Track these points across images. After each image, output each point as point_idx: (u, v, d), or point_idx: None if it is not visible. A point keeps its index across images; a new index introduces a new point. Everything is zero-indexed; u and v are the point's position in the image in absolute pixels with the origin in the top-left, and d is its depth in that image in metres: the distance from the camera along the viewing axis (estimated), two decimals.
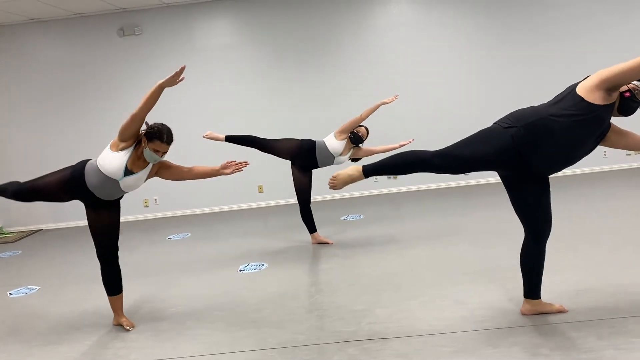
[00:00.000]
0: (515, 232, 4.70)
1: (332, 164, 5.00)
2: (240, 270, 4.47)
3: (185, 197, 7.50)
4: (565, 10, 7.07)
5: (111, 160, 3.15)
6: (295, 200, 5.21)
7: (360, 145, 4.98)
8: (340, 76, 7.28)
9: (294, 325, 3.21)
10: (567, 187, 6.31)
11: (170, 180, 3.59)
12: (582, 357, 2.48)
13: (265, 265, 4.54)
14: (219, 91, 7.35)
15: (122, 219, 3.23)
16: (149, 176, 3.38)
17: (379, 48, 7.23)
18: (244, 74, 7.32)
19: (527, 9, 7.09)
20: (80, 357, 3.07)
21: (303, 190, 5.02)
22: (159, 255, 5.38)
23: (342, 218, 6.10)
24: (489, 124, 2.90)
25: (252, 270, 4.45)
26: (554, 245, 3.74)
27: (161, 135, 3.17)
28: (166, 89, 3.17)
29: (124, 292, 3.49)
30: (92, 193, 3.24)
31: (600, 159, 7.28)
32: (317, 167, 5.04)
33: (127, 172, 3.19)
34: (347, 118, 5.04)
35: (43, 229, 7.51)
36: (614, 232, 4.41)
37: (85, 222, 3.40)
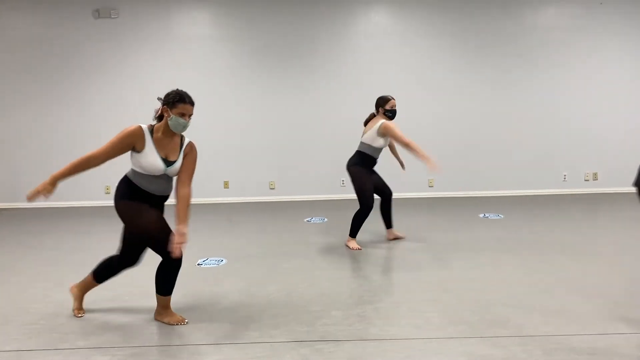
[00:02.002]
0: (476, 247, 4.80)
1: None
2: (198, 265, 4.43)
3: None
4: (536, 36, 7.27)
5: (145, 159, 3.03)
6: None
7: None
8: (315, 77, 7.30)
9: (248, 322, 3.20)
10: (530, 206, 6.47)
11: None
12: None
13: (224, 261, 4.51)
14: (192, 81, 7.27)
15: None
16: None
17: (356, 53, 7.28)
18: (220, 67, 7.27)
19: (504, 29, 7.25)
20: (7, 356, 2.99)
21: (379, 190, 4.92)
22: (115, 243, 5.28)
23: (305, 220, 6.11)
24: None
25: (211, 265, 4.41)
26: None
27: (182, 97, 3.03)
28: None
29: (77, 280, 3.40)
30: (154, 195, 3.14)
31: (559, 182, 7.50)
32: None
33: (167, 162, 3.08)
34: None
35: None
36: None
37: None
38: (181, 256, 3.06)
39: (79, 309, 3.39)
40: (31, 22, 7.13)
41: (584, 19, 7.24)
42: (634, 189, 7.42)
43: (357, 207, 5.09)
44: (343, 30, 7.24)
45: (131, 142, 3.01)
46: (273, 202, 7.30)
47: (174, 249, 2.93)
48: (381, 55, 7.29)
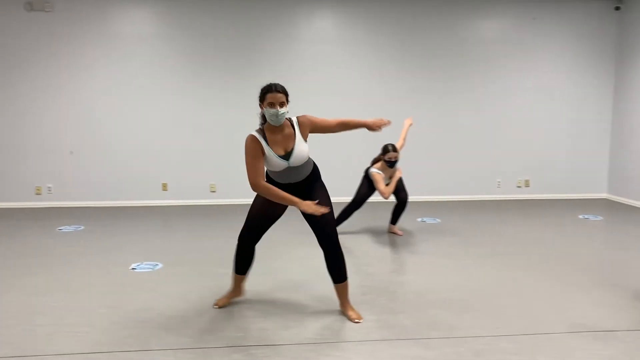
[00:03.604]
0: (412, 251, 4.89)
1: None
2: (132, 269, 4.30)
3: (82, 188, 7.13)
4: (473, 48, 7.52)
5: (268, 163, 3.10)
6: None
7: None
8: (256, 79, 7.21)
9: (181, 328, 3.12)
10: (459, 211, 6.67)
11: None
12: None
13: (159, 265, 4.40)
14: (130, 80, 7.07)
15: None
16: (305, 137, 3.18)
17: (299, 57, 7.29)
18: (159, 67, 7.10)
19: (444, 41, 7.45)
20: None
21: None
22: (46, 246, 5.05)
23: None
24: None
25: (145, 270, 4.29)
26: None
27: (270, 87, 3.07)
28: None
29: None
30: (288, 184, 3.19)
31: (493, 188, 7.78)
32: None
33: (285, 157, 3.10)
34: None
35: None
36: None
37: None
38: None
39: (223, 301, 3.50)
40: None
41: (517, 32, 7.55)
42: (561, 196, 7.80)
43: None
44: (286, 35, 7.23)
45: (258, 148, 3.04)
46: (214, 206, 7.19)
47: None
48: (324, 61, 7.33)
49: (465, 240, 5.31)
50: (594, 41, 7.66)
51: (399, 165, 5.58)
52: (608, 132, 7.84)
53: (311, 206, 2.98)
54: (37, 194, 7.08)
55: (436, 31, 7.42)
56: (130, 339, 2.96)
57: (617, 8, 7.54)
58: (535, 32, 7.57)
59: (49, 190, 7.10)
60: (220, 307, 3.47)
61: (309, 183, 3.25)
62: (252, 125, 7.80)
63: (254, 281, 3.95)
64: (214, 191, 7.35)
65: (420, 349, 2.85)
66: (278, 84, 3.10)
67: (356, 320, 3.23)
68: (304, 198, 3.18)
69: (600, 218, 6.37)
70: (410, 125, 5.53)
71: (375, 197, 6.62)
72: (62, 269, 4.28)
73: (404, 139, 5.46)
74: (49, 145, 7.04)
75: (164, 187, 7.26)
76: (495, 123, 7.68)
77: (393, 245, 5.15)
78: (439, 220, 6.30)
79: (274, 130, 3.11)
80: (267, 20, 7.17)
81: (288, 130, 3.13)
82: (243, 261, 3.45)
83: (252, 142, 3.05)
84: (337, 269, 3.25)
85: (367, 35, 7.35)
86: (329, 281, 3.98)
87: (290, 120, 3.17)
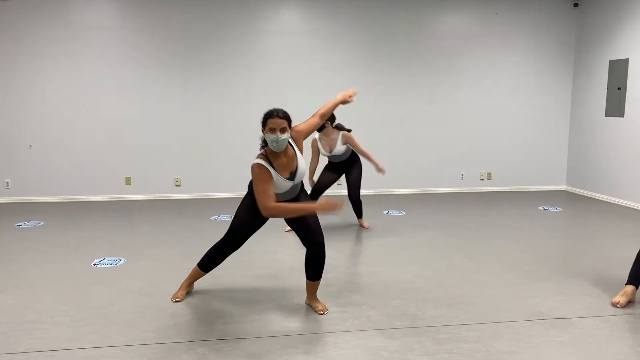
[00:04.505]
0: (377, 243, 4.94)
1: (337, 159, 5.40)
2: (94, 265, 4.22)
3: (41, 182, 6.94)
4: (437, 42, 7.61)
5: (276, 186, 3.08)
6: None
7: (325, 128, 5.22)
8: (223, 73, 7.17)
9: (144, 324, 3.09)
10: (430, 203, 6.78)
11: None
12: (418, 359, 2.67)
13: (122, 261, 4.33)
14: (92, 72, 6.91)
15: None
16: (301, 149, 3.21)
17: (265, 50, 7.25)
18: (122, 59, 6.95)
19: (408, 35, 7.52)
20: None
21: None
22: (4, 242, 4.91)
23: (212, 218, 6.01)
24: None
25: (107, 265, 4.22)
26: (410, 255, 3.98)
27: (270, 113, 3.04)
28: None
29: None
30: (285, 200, 3.20)
31: (457, 181, 7.92)
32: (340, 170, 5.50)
33: (289, 178, 3.13)
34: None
35: None
36: (459, 248, 4.81)
37: None
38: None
39: (182, 293, 3.52)
40: None
41: (480, 28, 7.67)
42: (522, 188, 7.99)
43: None
44: (252, 28, 7.18)
45: (267, 174, 3.02)
46: (179, 200, 7.10)
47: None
48: (290, 54, 7.31)
49: (429, 232, 5.40)
50: (553, 36, 7.85)
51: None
52: (567, 125, 8.06)
53: (329, 204, 2.90)
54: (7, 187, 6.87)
55: (400, 25, 7.48)
56: (92, 336, 2.91)
57: (576, 5, 7.74)
58: (497, 26, 7.71)
59: (7, 185, 6.89)
60: (180, 301, 3.46)
61: (299, 192, 3.31)
62: (218, 120, 7.76)
63: (218, 275, 3.93)
64: (178, 185, 7.26)
65: (383, 339, 2.89)
66: (280, 109, 3.07)
67: (321, 312, 3.26)
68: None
69: (559, 209, 6.56)
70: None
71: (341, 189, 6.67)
72: (20, 266, 4.17)
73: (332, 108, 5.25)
74: (6, 139, 6.83)
75: (128, 181, 7.14)
76: (458, 117, 7.81)
77: (358, 237, 5.20)
78: (404, 212, 6.38)
79: (277, 155, 3.08)
80: (234, 11, 7.10)
81: (290, 151, 3.13)
82: (214, 263, 3.49)
83: (260, 170, 3.01)
84: (317, 270, 3.28)
85: (333, 28, 7.36)
86: (295, 275, 4.00)
87: (290, 144, 3.16)
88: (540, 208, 6.62)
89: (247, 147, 7.22)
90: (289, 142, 3.15)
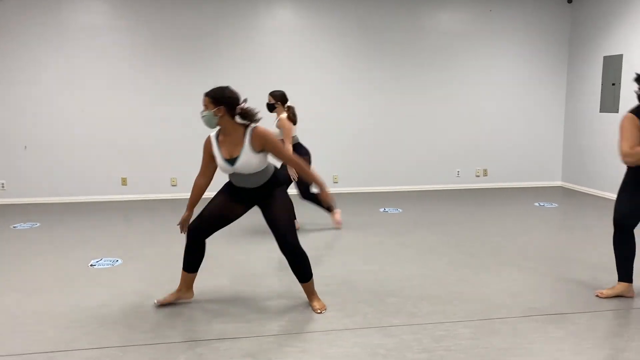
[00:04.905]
0: (372, 242, 4.95)
1: None
2: (91, 265, 4.22)
3: (37, 184, 6.93)
4: (432, 39, 7.62)
5: (217, 163, 3.20)
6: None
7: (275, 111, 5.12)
8: (218, 71, 7.16)
9: (142, 324, 3.10)
10: (422, 200, 6.79)
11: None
12: (415, 357, 2.67)
13: (119, 262, 4.33)
14: (85, 72, 6.89)
15: None
16: (258, 149, 3.11)
17: (260, 48, 7.24)
18: (117, 59, 6.93)
19: (404, 31, 7.52)
20: None
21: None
22: (1, 245, 4.91)
23: None
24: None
25: (105, 266, 4.21)
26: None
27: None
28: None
29: None
30: (241, 188, 3.24)
31: (453, 178, 7.93)
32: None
33: (230, 161, 3.13)
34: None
35: None
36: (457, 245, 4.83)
37: None
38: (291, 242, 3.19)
39: (167, 299, 3.41)
40: None
41: (474, 24, 7.69)
42: (518, 184, 8.02)
43: None
44: (246, 25, 7.17)
45: (208, 147, 3.20)
46: (175, 200, 7.10)
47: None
48: (286, 52, 7.30)
49: (425, 230, 5.41)
50: (548, 33, 7.86)
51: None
52: (562, 121, 8.09)
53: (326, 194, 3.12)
54: (2, 189, 6.85)
55: (395, 22, 7.48)
56: (90, 337, 2.91)
57: (570, 1, 7.75)
58: (491, 23, 7.72)
59: (2, 187, 6.88)
60: (161, 305, 3.35)
61: (266, 190, 3.23)
62: (195, 119, 7.60)
63: (214, 274, 3.94)
64: (174, 185, 7.25)
65: (381, 337, 2.91)
66: (213, 88, 3.15)
67: (319, 311, 3.27)
68: (261, 204, 3.24)
69: (555, 205, 6.59)
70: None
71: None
72: (17, 268, 4.17)
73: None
74: (1, 141, 6.81)
75: (124, 181, 7.13)
76: (454, 113, 7.82)
77: (354, 236, 5.20)
78: (400, 210, 6.39)
79: (224, 133, 3.16)
80: (227, 10, 7.09)
81: (237, 136, 3.11)
82: (193, 257, 3.33)
83: (206, 141, 3.23)
84: (300, 271, 3.27)
85: (328, 26, 7.36)
86: (291, 273, 4.01)
87: (246, 127, 3.14)
88: (536, 204, 6.65)
89: None
90: (245, 131, 3.11)
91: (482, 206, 6.62)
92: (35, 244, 4.91)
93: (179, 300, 3.42)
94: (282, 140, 4.89)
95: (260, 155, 3.12)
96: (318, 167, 7.58)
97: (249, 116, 3.14)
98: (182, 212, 6.34)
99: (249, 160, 3.09)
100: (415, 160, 7.80)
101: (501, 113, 7.93)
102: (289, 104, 5.14)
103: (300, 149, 5.16)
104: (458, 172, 7.97)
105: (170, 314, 3.24)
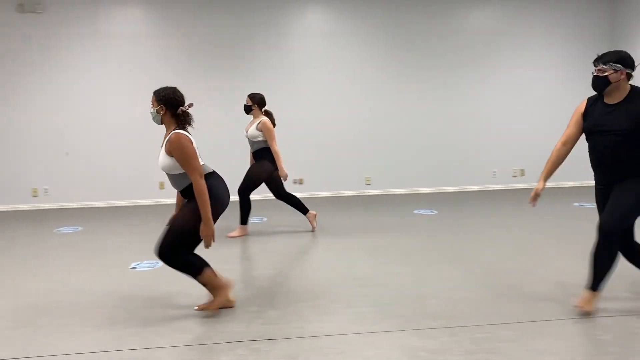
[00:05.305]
0: (407, 243, 4.93)
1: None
2: (132, 268, 4.32)
3: (79, 189, 7.13)
4: (464, 37, 7.54)
5: None
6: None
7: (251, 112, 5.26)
8: (248, 79, 7.25)
9: (184, 325, 3.15)
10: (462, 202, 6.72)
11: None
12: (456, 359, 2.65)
13: (159, 264, 4.41)
14: (122, 79, 7.07)
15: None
16: (169, 153, 3.23)
17: (291, 55, 7.30)
18: (151, 66, 7.10)
19: (435, 30, 7.47)
20: None
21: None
22: (44, 248, 5.07)
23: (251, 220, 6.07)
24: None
25: (145, 269, 4.31)
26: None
27: None
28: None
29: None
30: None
31: (489, 178, 7.82)
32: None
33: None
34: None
35: None
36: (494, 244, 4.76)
37: None
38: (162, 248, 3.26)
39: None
40: None
41: (507, 21, 7.57)
42: (556, 184, 7.85)
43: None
44: (277, 30, 7.24)
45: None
46: None
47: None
48: (316, 55, 7.34)
49: (461, 231, 5.35)
50: (588, 30, 7.69)
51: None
52: None
53: (207, 231, 3.20)
54: (33, 195, 7.08)
55: (429, 22, 7.44)
56: (135, 338, 2.98)
57: None
58: (525, 20, 7.59)
59: (46, 192, 7.11)
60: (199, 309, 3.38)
61: (186, 197, 3.32)
62: (239, 124, 7.69)
63: (253, 276, 3.98)
64: None
65: (420, 339, 2.89)
66: (161, 87, 3.36)
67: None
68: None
69: (594, 205, 6.41)
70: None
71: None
72: (61, 270, 4.30)
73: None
74: (44, 148, 7.04)
75: (161, 185, 7.28)
76: (489, 113, 7.72)
77: (389, 237, 5.18)
78: (435, 211, 6.34)
79: (166, 131, 3.35)
80: (259, 18, 7.17)
81: (167, 134, 3.30)
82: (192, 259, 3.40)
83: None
84: (184, 272, 3.33)
85: (359, 28, 7.37)
86: (327, 274, 4.02)
87: (173, 130, 3.28)
88: (576, 204, 6.50)
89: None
90: (169, 136, 3.23)
91: (519, 207, 6.51)
92: (78, 247, 5.06)
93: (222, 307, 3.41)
94: (266, 142, 5.11)
95: (172, 159, 3.21)
96: (352, 168, 7.62)
97: (185, 120, 3.34)
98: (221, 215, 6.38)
99: (163, 159, 3.24)
100: (449, 161, 7.73)
101: (538, 112, 7.79)
102: (266, 108, 5.28)
103: (269, 155, 5.18)
104: (494, 172, 7.85)
105: (210, 316, 3.29)
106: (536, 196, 3.48)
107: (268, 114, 5.24)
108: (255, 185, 5.22)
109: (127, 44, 7.02)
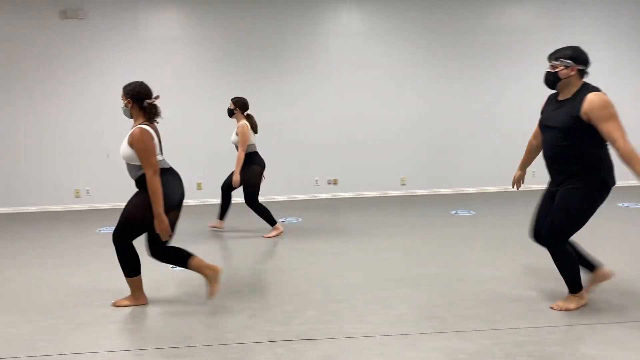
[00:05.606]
0: (445, 244, 4.87)
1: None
2: (172, 267, 4.40)
3: (120, 190, 7.28)
4: (501, 35, 7.41)
5: None
6: (236, 199, 5.31)
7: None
8: (283, 80, 7.30)
9: (223, 324, 3.19)
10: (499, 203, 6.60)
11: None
12: None
13: None
14: (161, 82, 7.17)
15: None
16: (130, 145, 3.37)
17: (325, 55, 7.31)
18: (189, 69, 7.22)
19: (476, 29, 7.36)
20: None
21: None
22: (87, 247, 5.20)
23: (280, 220, 6.11)
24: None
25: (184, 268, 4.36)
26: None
27: None
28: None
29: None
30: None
31: (529, 179, 7.64)
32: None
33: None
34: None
35: None
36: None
37: None
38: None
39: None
40: None
41: (547, 18, 7.40)
42: None
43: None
44: (313, 30, 7.26)
45: None
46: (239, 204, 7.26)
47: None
48: (350, 55, 7.33)
49: (498, 231, 5.25)
50: (630, 25, 7.44)
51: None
52: None
53: (162, 225, 3.36)
54: (76, 196, 7.29)
55: (465, 20, 7.33)
56: (175, 336, 3.03)
57: None
58: (564, 17, 7.40)
59: (88, 193, 7.30)
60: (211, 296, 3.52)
61: (138, 186, 3.51)
62: (283, 125, 7.83)
63: (289, 276, 4.00)
64: None
65: (460, 341, 2.84)
66: (129, 82, 3.56)
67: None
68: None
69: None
70: None
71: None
72: (103, 270, 4.40)
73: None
74: (86, 151, 7.23)
75: (199, 186, 7.38)
76: (528, 112, 7.55)
77: (426, 238, 5.13)
78: (473, 212, 6.24)
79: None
80: (293, 19, 7.21)
81: (133, 127, 3.40)
82: (130, 260, 3.55)
83: None
84: (121, 264, 3.49)
85: (395, 27, 7.32)
86: (364, 276, 4.00)
87: (139, 123, 3.41)
88: (620, 204, 6.30)
89: (312, 150, 7.33)
90: (133, 128, 3.37)
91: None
92: None
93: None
94: (251, 146, 5.24)
95: (132, 150, 3.33)
96: (386, 170, 7.58)
97: (152, 112, 3.47)
98: (255, 215, 6.49)
99: (124, 148, 3.36)
100: (487, 160, 7.60)
101: None
102: (248, 112, 5.32)
103: (254, 158, 5.27)
104: (534, 172, 7.67)
105: (249, 316, 3.31)
106: (515, 183, 3.81)
107: (249, 118, 5.31)
108: (257, 190, 5.29)
109: (166, 48, 7.15)
